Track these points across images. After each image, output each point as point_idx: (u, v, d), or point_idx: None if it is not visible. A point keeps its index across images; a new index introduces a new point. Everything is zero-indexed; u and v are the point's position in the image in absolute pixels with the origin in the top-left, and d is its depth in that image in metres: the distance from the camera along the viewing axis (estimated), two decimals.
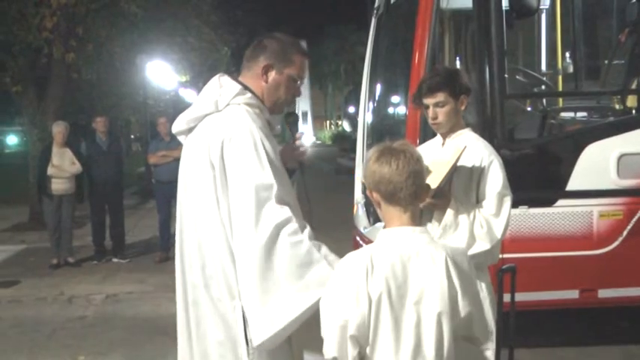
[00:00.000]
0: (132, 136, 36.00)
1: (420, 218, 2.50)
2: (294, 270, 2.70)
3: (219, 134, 2.83)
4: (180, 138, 3.10)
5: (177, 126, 3.08)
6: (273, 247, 2.70)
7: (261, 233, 2.70)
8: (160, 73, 20.86)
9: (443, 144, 3.66)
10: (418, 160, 2.43)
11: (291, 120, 3.43)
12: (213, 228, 2.85)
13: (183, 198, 3.03)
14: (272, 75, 3.01)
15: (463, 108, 3.61)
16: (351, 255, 2.46)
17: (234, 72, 3.15)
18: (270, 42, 3.04)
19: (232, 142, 2.80)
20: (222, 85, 2.99)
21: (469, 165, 3.48)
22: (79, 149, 10.17)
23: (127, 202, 13.20)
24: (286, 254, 2.70)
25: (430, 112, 3.60)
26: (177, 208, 3.12)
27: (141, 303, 7.97)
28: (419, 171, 2.42)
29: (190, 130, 3.03)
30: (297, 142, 3.27)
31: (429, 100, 3.58)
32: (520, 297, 4.08)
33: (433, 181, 3.28)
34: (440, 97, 3.55)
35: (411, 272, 2.35)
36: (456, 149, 3.40)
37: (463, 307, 2.34)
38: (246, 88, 2.99)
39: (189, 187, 2.98)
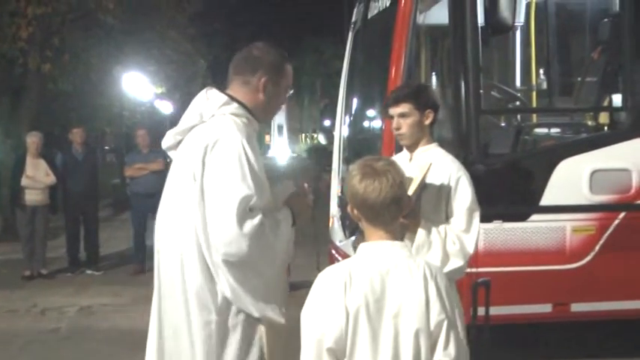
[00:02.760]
0: (106, 147, 35.75)
1: (399, 233, 2.52)
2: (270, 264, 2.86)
3: (202, 142, 2.84)
4: (171, 153, 3.10)
5: (167, 141, 3.10)
6: (252, 255, 2.77)
7: (241, 244, 2.73)
8: (136, 84, 20.79)
9: (410, 159, 3.69)
10: (401, 183, 2.44)
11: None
12: (192, 243, 2.84)
13: (165, 212, 3.03)
14: (269, 87, 3.05)
15: (428, 122, 3.63)
16: (330, 268, 2.48)
17: (218, 84, 3.16)
18: (261, 53, 3.07)
19: (215, 149, 2.81)
20: (208, 97, 3.02)
21: (437, 182, 3.51)
22: (54, 160, 10.10)
23: (102, 213, 13.12)
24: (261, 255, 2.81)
25: (394, 122, 3.65)
26: (156, 222, 3.09)
27: (115, 315, 7.91)
28: (400, 196, 2.44)
29: (178, 144, 3.04)
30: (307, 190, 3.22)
31: (393, 110, 3.64)
32: (494, 311, 4.13)
33: None
34: (404, 107, 3.59)
35: (389, 286, 2.36)
36: (422, 167, 3.43)
37: (439, 323, 2.35)
38: (232, 99, 3.00)
39: (172, 202, 2.98)
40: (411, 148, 3.69)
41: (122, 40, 15.93)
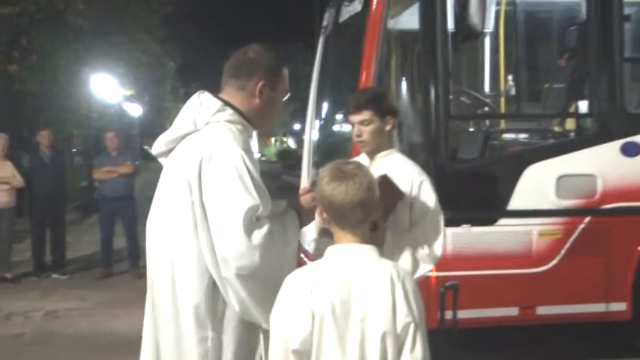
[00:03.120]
0: (74, 150, 35.44)
1: (368, 236, 2.50)
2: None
3: (197, 154, 2.75)
4: (161, 160, 3.00)
5: (157, 147, 2.98)
6: (263, 266, 2.71)
7: (253, 256, 2.69)
8: (104, 86, 20.64)
9: (370, 165, 3.69)
10: (369, 186, 2.43)
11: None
12: (188, 257, 2.77)
13: (156, 223, 2.93)
14: (266, 91, 2.94)
15: (388, 128, 3.64)
16: (297, 272, 2.48)
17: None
18: (257, 56, 2.97)
19: (212, 162, 2.72)
20: (201, 102, 2.90)
21: (400, 187, 3.52)
22: (20, 162, 9.98)
23: (69, 216, 12.98)
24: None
25: (355, 129, 3.62)
26: (147, 232, 2.98)
27: (81, 320, 7.82)
28: (368, 199, 2.43)
29: (170, 151, 2.94)
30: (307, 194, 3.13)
31: (354, 118, 3.62)
32: (461, 314, 4.16)
33: None
34: (365, 115, 3.58)
35: (356, 289, 2.36)
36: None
37: (405, 326, 2.35)
38: (227, 104, 2.90)
39: (164, 212, 2.88)
40: (372, 154, 3.68)
41: (91, 42, 15.81)
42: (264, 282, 2.71)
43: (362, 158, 3.73)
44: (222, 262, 2.70)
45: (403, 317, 2.34)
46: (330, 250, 2.48)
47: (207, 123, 2.85)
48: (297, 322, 2.36)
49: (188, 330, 2.79)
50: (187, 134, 2.88)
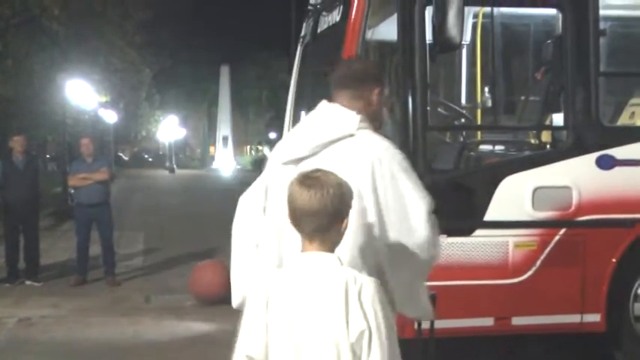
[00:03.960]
0: (48, 156, 35.14)
1: (335, 245, 2.49)
2: None
3: (363, 159, 2.94)
4: (288, 167, 3.05)
5: (298, 152, 3.07)
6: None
7: (435, 248, 3.04)
8: (80, 92, 20.50)
9: None
10: (337, 196, 2.43)
11: None
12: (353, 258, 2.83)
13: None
14: (380, 98, 3.21)
15: None
16: (260, 280, 2.50)
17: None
18: (365, 66, 3.29)
19: (383, 165, 2.95)
20: (336, 111, 3.09)
21: None
22: None
23: (43, 223, 12.87)
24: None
25: None
26: (279, 239, 3.00)
27: (55, 327, 7.76)
28: (335, 208, 2.42)
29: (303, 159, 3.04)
30: None
31: None
32: (438, 324, 4.16)
33: None
34: None
35: (311, 298, 2.36)
36: None
37: (359, 335, 2.33)
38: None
39: None
40: None
41: (67, 47, 15.69)
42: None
43: None
44: (415, 254, 2.97)
45: (356, 325, 2.32)
46: (293, 258, 2.49)
47: (358, 129, 3.03)
48: (254, 331, 2.40)
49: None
50: (338, 139, 3.01)
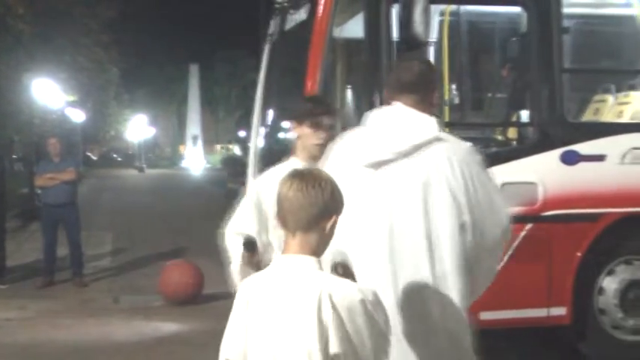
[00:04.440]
0: (14, 156, 34.72)
1: (320, 245, 2.42)
2: None
3: (454, 160, 3.09)
4: (364, 170, 3.14)
5: (378, 156, 3.13)
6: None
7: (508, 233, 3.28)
8: (46, 91, 20.26)
9: None
10: (327, 195, 2.38)
11: None
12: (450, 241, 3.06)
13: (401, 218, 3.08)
14: (436, 99, 3.33)
15: None
16: (245, 281, 2.49)
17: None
18: (425, 70, 3.32)
19: (470, 165, 3.13)
20: (414, 114, 3.16)
21: None
22: None
23: (9, 224, 12.68)
24: None
25: (320, 133, 3.63)
26: (381, 233, 3.09)
27: (21, 330, 7.66)
28: (321, 207, 2.37)
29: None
30: None
31: (327, 120, 3.68)
32: None
33: None
34: (333, 120, 3.73)
35: (285, 303, 2.31)
36: None
37: (333, 346, 2.26)
38: None
39: (406, 211, 3.07)
40: (316, 159, 3.67)
41: (32, 46, 15.51)
42: None
43: (295, 164, 3.67)
44: (497, 243, 3.26)
45: (337, 345, 2.25)
46: (275, 260, 2.46)
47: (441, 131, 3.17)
48: (234, 335, 2.37)
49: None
50: (419, 145, 3.08)
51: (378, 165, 3.12)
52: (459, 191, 3.06)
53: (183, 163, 65.51)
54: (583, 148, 5.87)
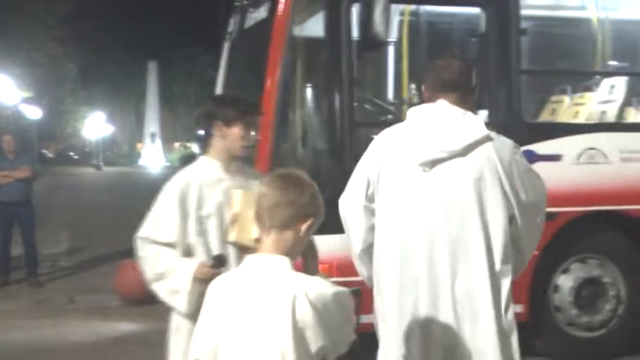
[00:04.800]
0: None
1: (293, 248, 2.42)
2: None
3: (506, 159, 3.23)
4: (416, 168, 3.22)
5: (431, 154, 3.19)
6: None
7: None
8: (0, 87, 19.93)
9: (225, 169, 3.67)
10: (305, 196, 2.38)
11: None
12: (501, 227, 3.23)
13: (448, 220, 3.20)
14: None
15: None
16: (215, 280, 2.47)
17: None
18: (468, 66, 3.38)
19: (519, 163, 3.28)
20: (462, 113, 3.23)
21: None
22: None
23: None
24: None
25: (247, 131, 3.67)
26: (418, 235, 3.21)
27: None
28: (296, 207, 2.37)
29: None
30: None
31: (254, 119, 3.78)
32: (364, 319, 4.19)
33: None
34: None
35: (257, 302, 2.30)
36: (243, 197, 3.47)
37: (314, 343, 2.27)
38: None
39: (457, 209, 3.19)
40: (234, 160, 3.70)
41: None
42: None
43: (207, 163, 3.68)
44: (538, 232, 3.50)
45: (317, 342, 2.27)
46: (247, 259, 2.44)
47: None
48: (205, 334, 2.35)
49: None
50: (472, 144, 3.18)
51: (432, 164, 3.20)
52: (508, 187, 3.20)
53: (142, 161, 64.94)
54: (540, 148, 5.95)
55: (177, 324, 3.64)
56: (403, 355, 3.26)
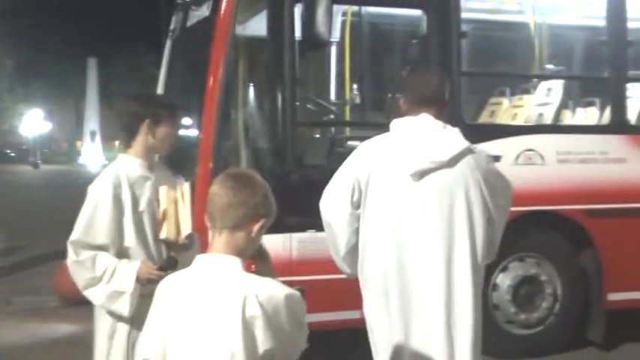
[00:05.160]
0: None
1: (245, 248, 2.42)
2: None
3: (483, 169, 3.52)
4: (405, 178, 3.43)
5: (419, 165, 3.38)
6: None
7: None
8: None
9: (151, 167, 3.67)
10: (254, 193, 2.38)
11: None
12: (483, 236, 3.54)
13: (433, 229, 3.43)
14: None
15: None
16: (165, 279, 2.46)
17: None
18: (444, 80, 3.66)
19: (493, 172, 3.62)
20: (441, 126, 3.48)
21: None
22: None
23: None
24: None
25: (176, 132, 3.76)
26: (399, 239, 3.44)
27: None
28: (247, 207, 2.37)
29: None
30: None
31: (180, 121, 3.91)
32: (309, 318, 4.23)
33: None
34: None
35: (207, 302, 2.29)
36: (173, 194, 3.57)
37: (263, 344, 2.27)
38: None
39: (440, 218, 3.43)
40: (154, 159, 3.72)
41: None
42: None
43: (134, 161, 3.64)
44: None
45: (262, 343, 2.26)
46: (197, 259, 2.42)
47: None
48: (153, 333, 2.34)
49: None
50: (457, 156, 3.42)
51: (421, 174, 3.41)
52: (486, 194, 3.49)
53: (81, 159, 63.78)
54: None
55: (113, 328, 3.55)
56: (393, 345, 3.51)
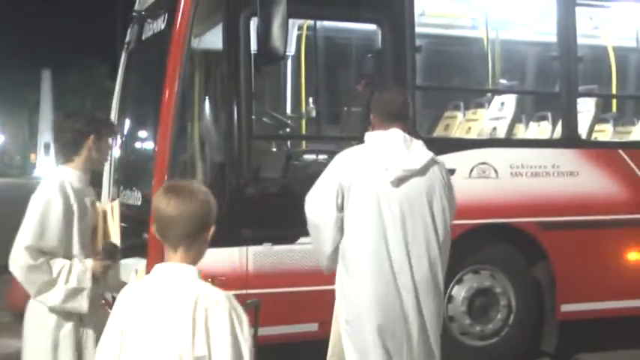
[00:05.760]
0: None
1: (200, 255, 2.48)
2: None
3: (446, 177, 4.04)
4: (385, 184, 3.85)
5: (395, 174, 3.85)
6: None
7: None
8: None
9: (85, 181, 3.85)
10: (202, 205, 2.41)
11: None
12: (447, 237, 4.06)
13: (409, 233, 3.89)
14: None
15: None
16: (125, 287, 2.48)
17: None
18: (406, 99, 4.22)
19: (450, 181, 4.09)
20: (409, 138, 3.95)
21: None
22: None
23: None
24: None
25: (110, 145, 4.07)
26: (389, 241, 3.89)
27: None
28: (197, 218, 2.39)
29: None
30: None
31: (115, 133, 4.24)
32: (263, 331, 4.21)
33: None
34: None
35: (161, 309, 2.34)
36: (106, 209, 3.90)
37: (198, 349, 2.30)
38: None
39: (413, 224, 3.89)
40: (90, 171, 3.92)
41: None
42: None
43: (76, 175, 3.78)
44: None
45: (199, 347, 2.30)
46: (155, 268, 2.45)
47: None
48: (110, 338, 2.38)
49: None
50: (427, 165, 3.92)
51: (399, 181, 3.86)
52: (446, 199, 3.99)
53: (35, 172, 62.82)
54: None
55: (56, 339, 3.77)
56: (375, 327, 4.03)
